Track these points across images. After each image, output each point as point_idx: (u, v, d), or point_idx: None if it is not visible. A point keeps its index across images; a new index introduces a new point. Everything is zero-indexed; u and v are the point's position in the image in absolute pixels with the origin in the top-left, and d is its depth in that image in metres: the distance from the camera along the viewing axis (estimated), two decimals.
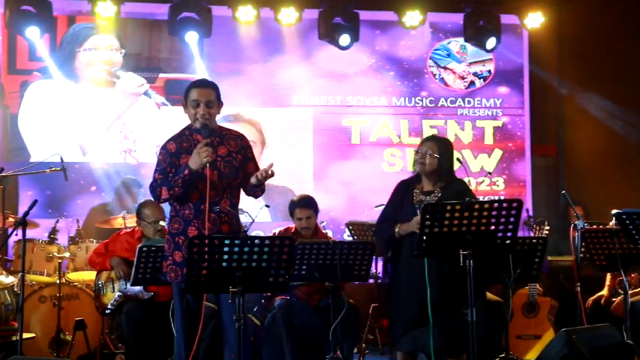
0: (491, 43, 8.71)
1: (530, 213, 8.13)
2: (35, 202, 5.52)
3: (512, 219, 4.52)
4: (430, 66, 9.14)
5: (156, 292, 5.87)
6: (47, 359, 6.31)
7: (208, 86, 4.71)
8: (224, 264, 4.10)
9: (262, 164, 4.72)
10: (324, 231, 6.73)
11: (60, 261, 6.68)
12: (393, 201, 5.15)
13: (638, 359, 5.31)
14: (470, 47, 9.07)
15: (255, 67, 8.82)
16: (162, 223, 5.99)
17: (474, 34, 8.76)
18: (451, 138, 8.48)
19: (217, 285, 4.20)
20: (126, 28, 8.62)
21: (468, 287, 4.49)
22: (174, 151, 4.66)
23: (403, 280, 4.98)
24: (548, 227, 6.89)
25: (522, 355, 6.52)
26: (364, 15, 8.69)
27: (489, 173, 8.98)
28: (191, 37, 8.31)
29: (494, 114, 9.19)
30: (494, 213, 4.50)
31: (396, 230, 4.95)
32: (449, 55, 9.17)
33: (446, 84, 9.15)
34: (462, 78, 9.17)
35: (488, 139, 9.16)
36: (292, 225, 6.37)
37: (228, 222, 4.63)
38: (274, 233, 6.47)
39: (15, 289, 6.24)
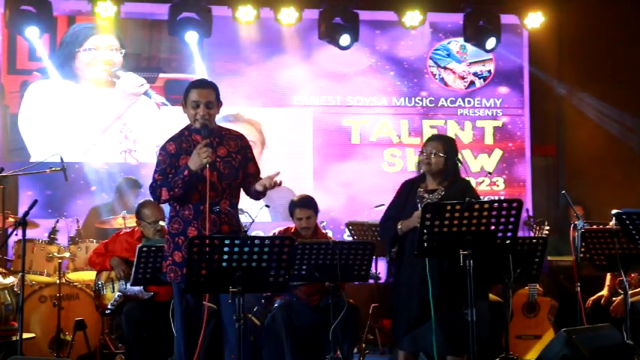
0: (491, 43, 8.71)
1: (530, 213, 8.12)
2: (35, 202, 5.52)
3: (512, 219, 4.52)
4: (430, 66, 9.14)
5: (156, 292, 5.87)
6: (47, 359, 6.32)
7: (208, 87, 4.70)
8: (224, 264, 4.10)
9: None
10: (324, 231, 6.73)
11: (60, 261, 6.67)
12: (397, 200, 5.15)
13: (638, 359, 5.31)
14: (470, 47, 9.07)
15: (255, 67, 8.83)
16: (161, 223, 5.99)
17: (473, 34, 8.76)
18: None
19: (217, 285, 4.20)
20: (126, 28, 8.63)
21: (468, 287, 4.49)
22: (174, 152, 4.65)
23: (405, 280, 4.98)
24: (548, 227, 6.90)
25: (522, 355, 6.52)
26: (364, 15, 8.69)
27: (489, 173, 8.98)
28: (191, 37, 8.31)
29: (494, 114, 9.19)
30: (494, 213, 4.50)
31: (399, 227, 4.96)
32: (449, 55, 9.17)
33: (446, 84, 9.16)
34: (462, 78, 9.17)
35: (488, 139, 9.16)
36: (292, 225, 6.37)
37: (227, 222, 4.62)
38: (274, 233, 6.47)
39: (15, 289, 6.24)
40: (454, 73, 9.17)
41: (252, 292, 5.21)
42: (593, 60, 9.08)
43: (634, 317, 5.98)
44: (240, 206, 4.82)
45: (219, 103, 4.71)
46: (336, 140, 8.95)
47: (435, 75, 9.14)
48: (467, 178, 5.19)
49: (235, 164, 4.68)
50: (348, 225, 7.24)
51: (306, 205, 6.26)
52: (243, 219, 4.97)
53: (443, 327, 4.83)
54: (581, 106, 9.13)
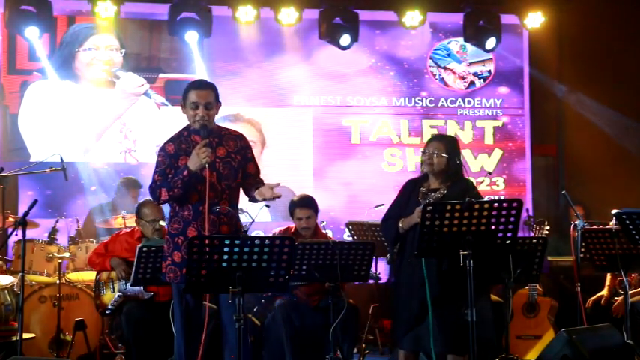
0: (491, 43, 8.71)
1: (530, 213, 8.12)
2: (35, 202, 5.52)
3: (512, 219, 4.52)
4: (430, 66, 9.14)
5: (156, 292, 5.87)
6: (47, 359, 6.32)
7: (207, 87, 4.69)
8: (224, 264, 4.10)
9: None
10: (324, 231, 6.73)
11: (60, 261, 6.68)
12: (400, 199, 5.15)
13: (638, 359, 5.31)
14: (470, 47, 9.07)
15: (255, 67, 8.82)
16: (161, 223, 6.00)
17: (473, 34, 8.76)
18: None
19: (217, 285, 4.20)
20: (126, 28, 8.62)
21: (468, 287, 4.49)
22: (173, 152, 4.65)
23: (405, 280, 4.98)
24: (548, 227, 6.89)
25: (522, 355, 6.52)
26: (364, 15, 8.69)
27: (489, 173, 8.98)
28: (191, 37, 8.31)
29: (494, 114, 9.19)
30: (494, 213, 4.50)
31: (400, 225, 4.96)
32: (449, 55, 9.17)
33: (446, 84, 9.15)
34: (462, 78, 9.17)
35: (489, 139, 9.16)
36: (292, 225, 6.37)
37: (227, 223, 4.62)
38: (274, 233, 6.47)
39: (15, 289, 6.24)
40: (454, 73, 9.17)
41: (252, 292, 5.21)
42: (593, 60, 9.08)
43: (634, 317, 5.98)
44: (240, 206, 4.83)
45: (218, 104, 4.71)
46: (336, 140, 8.95)
47: (435, 75, 9.14)
48: (469, 179, 5.19)
49: (235, 165, 4.68)
50: (348, 225, 7.24)
51: (306, 205, 6.26)
52: (243, 219, 4.96)
53: (443, 327, 4.83)
54: (580, 107, 9.12)
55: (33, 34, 8.05)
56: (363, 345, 6.77)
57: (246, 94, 8.75)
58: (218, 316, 4.85)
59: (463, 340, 4.68)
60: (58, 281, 6.50)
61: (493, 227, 4.52)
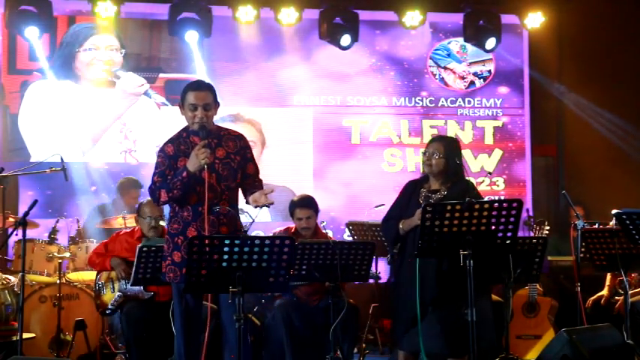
0: (491, 43, 8.71)
1: (531, 213, 8.12)
2: (35, 202, 5.53)
3: (512, 219, 4.53)
4: (430, 66, 9.14)
5: (156, 292, 5.87)
6: (47, 359, 6.31)
7: (205, 89, 4.68)
8: (224, 264, 4.10)
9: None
10: (324, 231, 6.73)
11: (60, 261, 6.68)
12: (400, 199, 5.16)
13: (638, 359, 5.31)
14: (470, 47, 9.06)
15: (255, 67, 8.82)
16: (161, 223, 6.00)
17: (473, 34, 8.76)
18: None
19: (217, 285, 4.20)
20: (126, 28, 8.62)
21: (468, 287, 4.49)
22: (172, 153, 4.65)
23: (405, 280, 4.98)
24: (548, 227, 6.89)
25: (522, 355, 6.52)
26: (364, 15, 8.69)
27: (489, 173, 8.98)
28: (191, 37, 8.31)
29: (495, 114, 9.19)
30: (494, 213, 4.50)
31: (400, 227, 4.96)
32: (449, 55, 9.17)
33: (446, 84, 9.15)
34: (462, 78, 9.17)
35: (489, 139, 9.16)
36: (292, 225, 6.37)
37: (226, 224, 4.62)
38: (274, 233, 6.46)
39: (15, 289, 6.24)
40: (454, 73, 9.17)
41: (252, 292, 5.21)
42: (593, 60, 9.08)
43: (634, 317, 5.98)
44: (240, 206, 4.82)
45: (216, 105, 4.70)
46: (336, 140, 8.95)
47: (435, 75, 9.14)
48: (469, 179, 5.20)
49: (234, 165, 4.68)
50: (348, 225, 7.24)
51: (306, 205, 6.26)
52: (243, 219, 4.96)
53: (443, 328, 4.83)
54: (579, 108, 9.12)
55: (33, 34, 8.05)
56: (363, 345, 6.77)
57: (246, 94, 8.75)
58: (218, 316, 4.85)
59: (463, 342, 4.68)
60: (58, 281, 6.51)
61: (493, 227, 4.52)
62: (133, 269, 5.48)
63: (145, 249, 5.43)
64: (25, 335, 5.88)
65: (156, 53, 8.71)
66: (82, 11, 8.48)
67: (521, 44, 9.23)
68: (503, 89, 9.22)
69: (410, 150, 8.97)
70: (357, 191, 8.83)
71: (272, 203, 4.57)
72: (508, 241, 4.58)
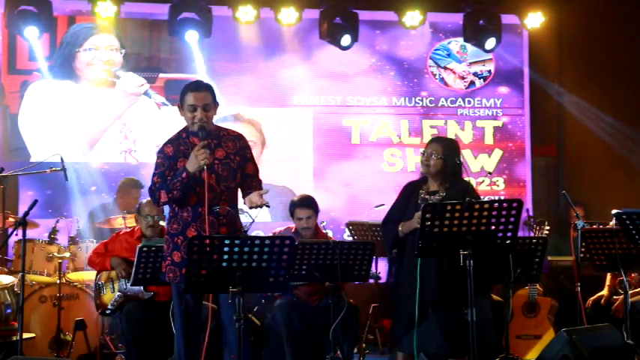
0: (491, 43, 8.70)
1: (530, 213, 8.13)
2: (35, 202, 5.53)
3: (512, 219, 4.53)
4: (430, 66, 9.13)
5: (156, 292, 5.87)
6: (47, 359, 6.31)
7: (204, 89, 4.68)
8: (224, 264, 4.10)
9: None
10: (324, 231, 6.73)
11: (60, 261, 6.67)
12: (399, 202, 5.16)
13: (638, 359, 5.31)
14: (470, 47, 9.06)
15: (255, 67, 8.82)
16: (161, 223, 6.01)
17: (473, 34, 8.75)
18: None
19: (217, 285, 4.20)
20: (126, 28, 8.62)
21: (468, 287, 4.49)
22: (172, 154, 4.65)
23: (405, 280, 4.99)
24: (548, 227, 6.90)
25: (522, 355, 6.52)
26: (364, 15, 8.69)
27: (489, 173, 8.97)
28: (191, 37, 8.31)
29: (495, 114, 9.19)
30: (494, 213, 4.50)
31: (400, 229, 4.96)
32: (449, 55, 9.17)
33: (446, 84, 9.15)
34: (462, 78, 9.17)
35: (489, 139, 9.16)
36: (292, 225, 6.37)
37: (226, 224, 4.61)
38: (274, 233, 6.46)
39: (15, 289, 6.24)
40: (454, 73, 9.17)
41: (252, 292, 5.21)
42: (593, 60, 9.08)
43: (634, 317, 5.98)
44: (240, 206, 4.82)
45: (215, 105, 4.70)
46: (336, 140, 8.95)
47: (435, 75, 9.14)
48: (468, 179, 5.20)
49: (234, 166, 4.67)
50: (348, 225, 7.24)
51: (306, 205, 6.26)
52: (243, 219, 4.96)
53: (443, 329, 4.83)
54: (579, 108, 9.12)
55: (33, 34, 8.04)
56: (363, 345, 6.77)
57: (246, 94, 8.75)
58: (218, 316, 4.85)
59: (463, 342, 4.68)
60: (58, 281, 6.50)
61: (493, 227, 4.52)
62: (133, 269, 5.48)
63: (145, 249, 5.43)
64: (25, 335, 5.88)
65: (156, 53, 8.71)
66: (82, 11, 8.48)
67: (521, 44, 9.23)
68: (503, 89, 9.22)
69: (410, 150, 8.97)
70: (357, 191, 8.83)
71: (267, 204, 4.55)
72: (508, 241, 4.58)
